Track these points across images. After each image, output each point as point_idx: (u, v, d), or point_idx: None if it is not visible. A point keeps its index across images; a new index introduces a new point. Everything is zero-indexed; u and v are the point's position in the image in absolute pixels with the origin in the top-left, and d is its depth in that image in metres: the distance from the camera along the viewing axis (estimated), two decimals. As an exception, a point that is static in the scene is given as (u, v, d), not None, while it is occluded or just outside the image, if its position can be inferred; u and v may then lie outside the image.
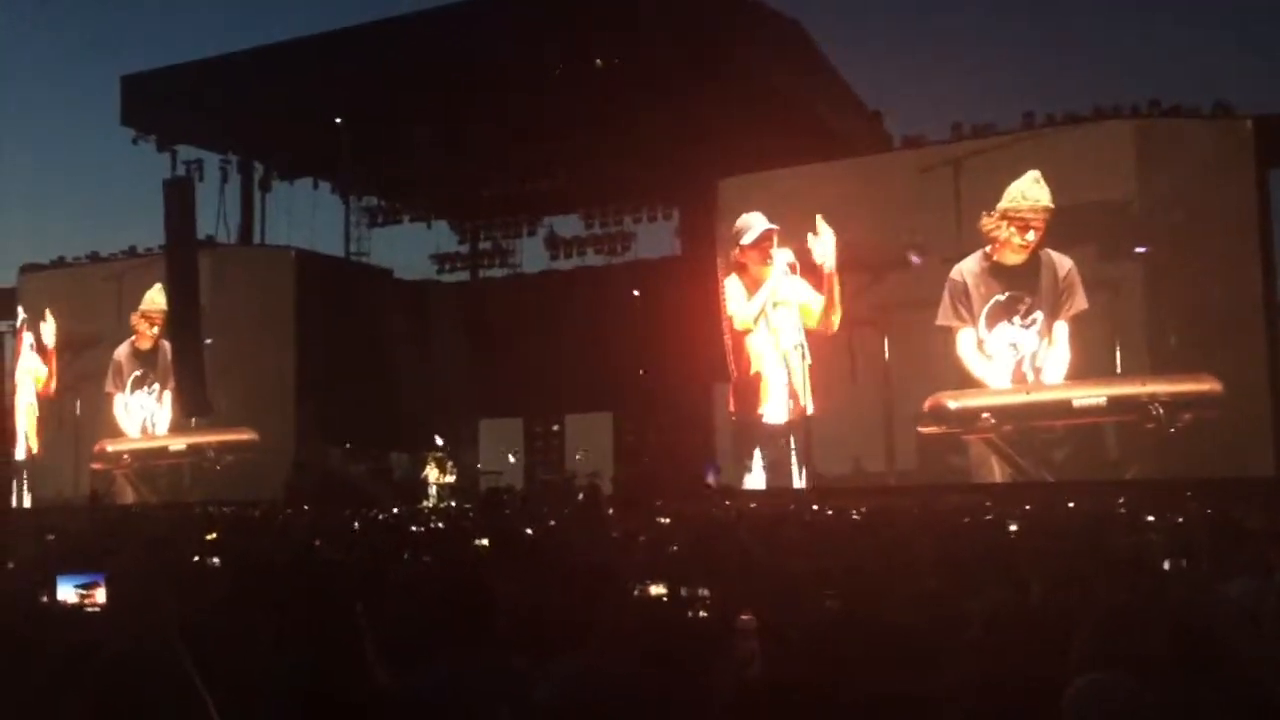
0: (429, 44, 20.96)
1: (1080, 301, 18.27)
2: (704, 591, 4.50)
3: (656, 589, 4.66)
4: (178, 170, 23.89)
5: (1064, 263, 18.42)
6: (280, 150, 25.97)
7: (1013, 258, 18.66)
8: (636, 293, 24.88)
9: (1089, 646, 3.13)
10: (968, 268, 18.86)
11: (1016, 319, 18.44)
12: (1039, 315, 18.39)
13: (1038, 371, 18.45)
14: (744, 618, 3.86)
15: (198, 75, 23.23)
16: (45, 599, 5.70)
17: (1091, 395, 18.14)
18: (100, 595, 5.52)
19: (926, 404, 18.92)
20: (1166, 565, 5.53)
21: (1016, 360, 18.48)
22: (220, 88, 22.77)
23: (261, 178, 26.45)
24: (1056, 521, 10.08)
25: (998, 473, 18.47)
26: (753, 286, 20.32)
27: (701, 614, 4.35)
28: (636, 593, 4.66)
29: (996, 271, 18.74)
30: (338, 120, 23.27)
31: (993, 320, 18.64)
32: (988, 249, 18.81)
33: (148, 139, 24.07)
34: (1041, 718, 2.68)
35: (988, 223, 18.66)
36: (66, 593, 5.60)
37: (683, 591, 4.57)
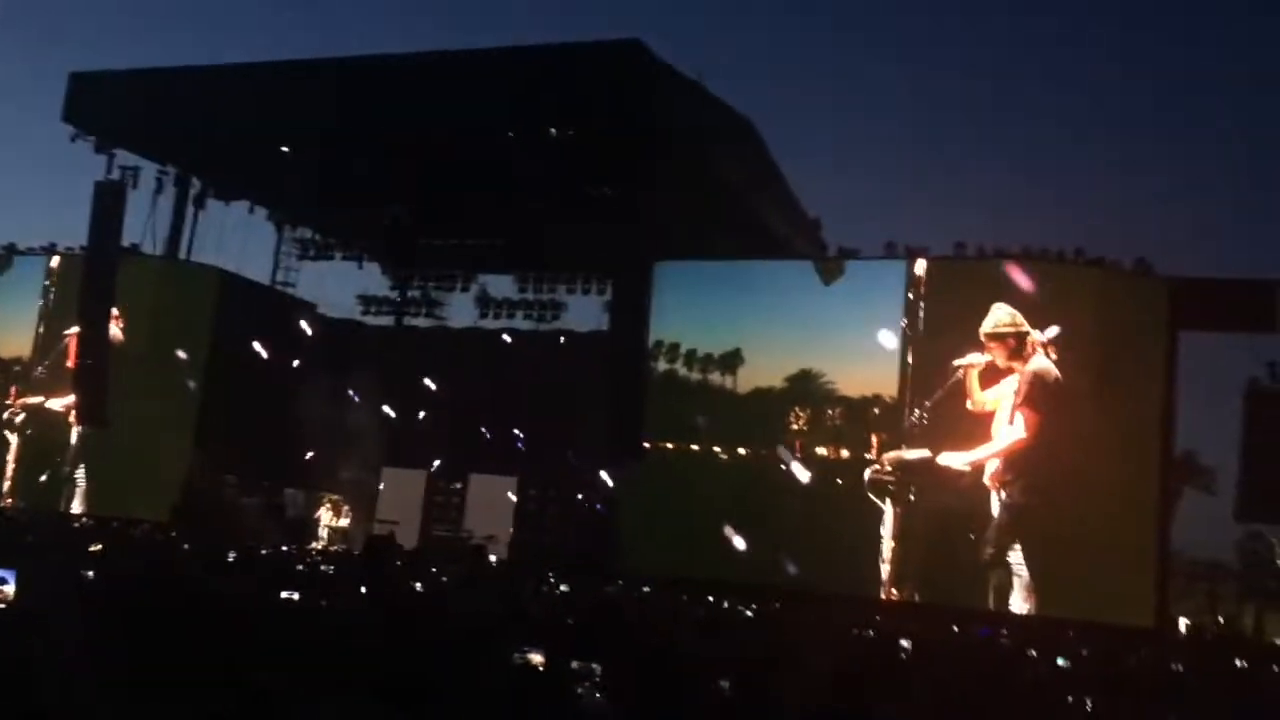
0: (388, 89, 20.98)
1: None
2: (595, 667, 4.40)
3: (535, 657, 4.57)
4: (112, 174, 23.43)
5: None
6: (220, 169, 25.64)
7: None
8: None
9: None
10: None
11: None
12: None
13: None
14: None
15: (148, 83, 22.94)
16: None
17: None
18: (9, 590, 5.26)
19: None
20: (1078, 701, 5.58)
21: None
22: (170, 99, 22.49)
23: (197, 194, 26.06)
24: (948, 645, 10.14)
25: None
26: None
27: (582, 690, 4.24)
28: (516, 659, 4.57)
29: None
30: (284, 149, 23.08)
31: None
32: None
33: (87, 138, 23.63)
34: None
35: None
36: None
37: (574, 664, 4.46)
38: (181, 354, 23.74)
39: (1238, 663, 11.11)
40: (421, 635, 5.29)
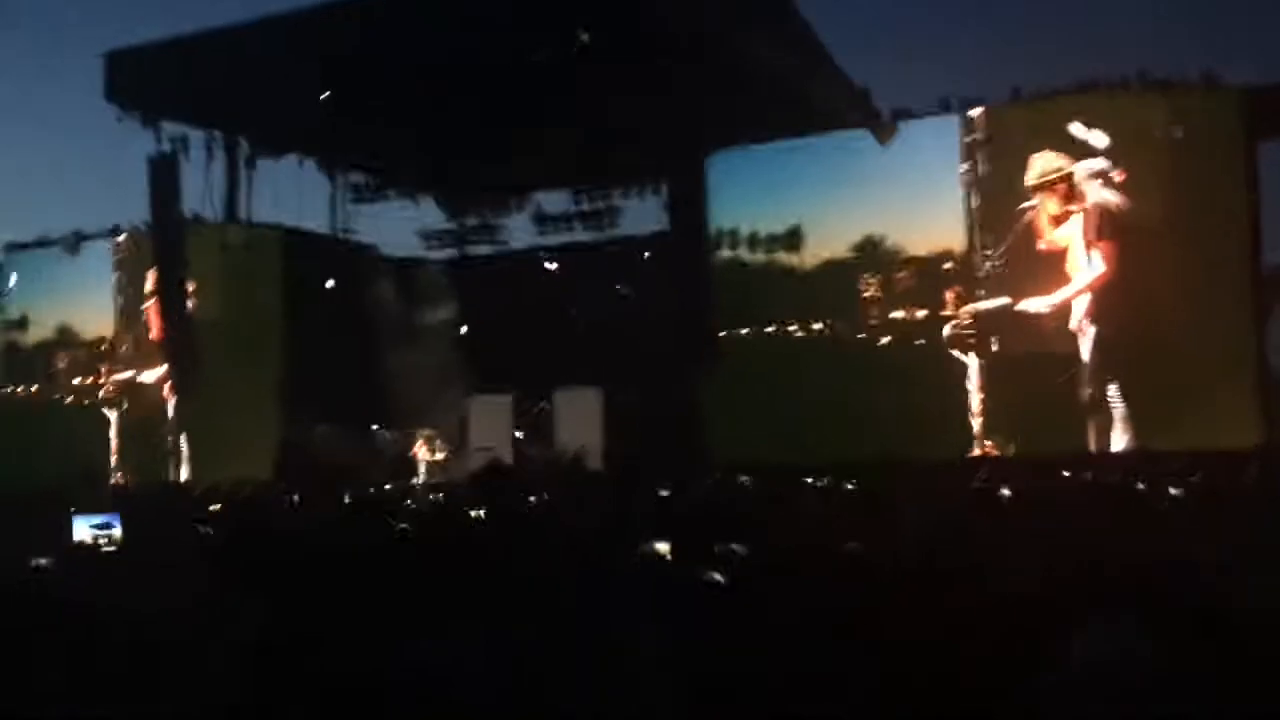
0: (418, 20, 20.80)
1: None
2: (736, 547, 4.47)
3: (661, 546, 4.67)
4: (162, 147, 23.67)
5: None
6: (264, 126, 25.77)
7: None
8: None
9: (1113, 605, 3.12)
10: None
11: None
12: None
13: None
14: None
15: (182, 51, 23.00)
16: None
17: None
18: (117, 534, 5.51)
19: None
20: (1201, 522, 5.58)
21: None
22: (205, 64, 22.56)
23: (247, 155, 26.25)
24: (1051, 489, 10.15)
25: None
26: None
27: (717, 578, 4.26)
28: (644, 550, 4.67)
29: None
30: (324, 96, 23.09)
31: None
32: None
33: (132, 115, 23.84)
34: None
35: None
36: (82, 532, 5.60)
37: (716, 549, 4.54)
38: (258, 315, 24.23)
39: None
40: (544, 545, 5.44)
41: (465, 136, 25.86)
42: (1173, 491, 8.51)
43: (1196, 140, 18.54)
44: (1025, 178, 18.75)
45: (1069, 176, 18.50)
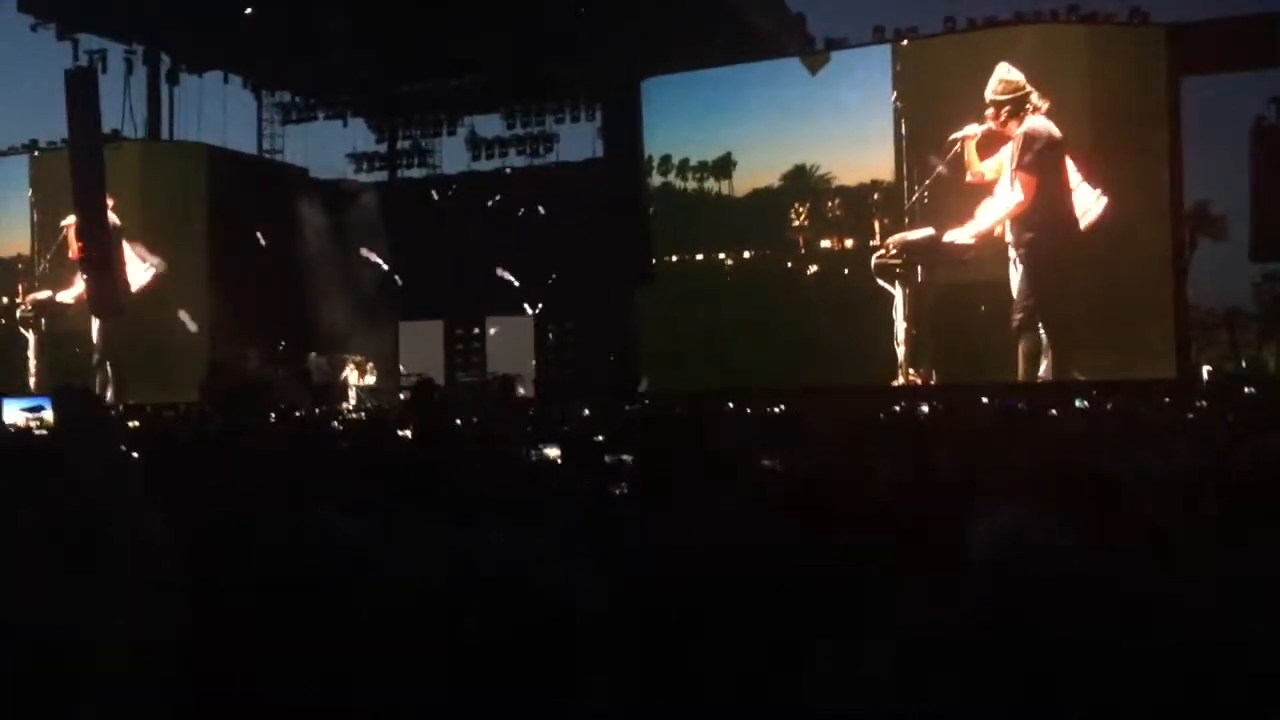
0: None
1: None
2: (626, 458, 4.45)
3: (551, 451, 4.70)
4: (79, 60, 22.86)
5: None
6: (188, 41, 25.00)
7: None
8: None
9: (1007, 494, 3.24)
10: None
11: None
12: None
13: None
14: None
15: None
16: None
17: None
18: (48, 416, 5.48)
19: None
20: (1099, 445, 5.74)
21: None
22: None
23: (169, 70, 25.49)
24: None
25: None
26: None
27: (622, 489, 4.24)
28: (532, 455, 4.69)
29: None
30: (248, 10, 22.44)
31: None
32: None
33: (47, 26, 23.01)
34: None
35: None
36: (14, 416, 5.56)
37: (606, 458, 4.56)
38: (181, 233, 23.74)
39: (1247, 390, 11.37)
40: (459, 459, 5.45)
41: (395, 55, 25.35)
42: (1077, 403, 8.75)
43: (1121, 75, 18.75)
44: (985, 90, 18.74)
45: (1026, 95, 18.58)
